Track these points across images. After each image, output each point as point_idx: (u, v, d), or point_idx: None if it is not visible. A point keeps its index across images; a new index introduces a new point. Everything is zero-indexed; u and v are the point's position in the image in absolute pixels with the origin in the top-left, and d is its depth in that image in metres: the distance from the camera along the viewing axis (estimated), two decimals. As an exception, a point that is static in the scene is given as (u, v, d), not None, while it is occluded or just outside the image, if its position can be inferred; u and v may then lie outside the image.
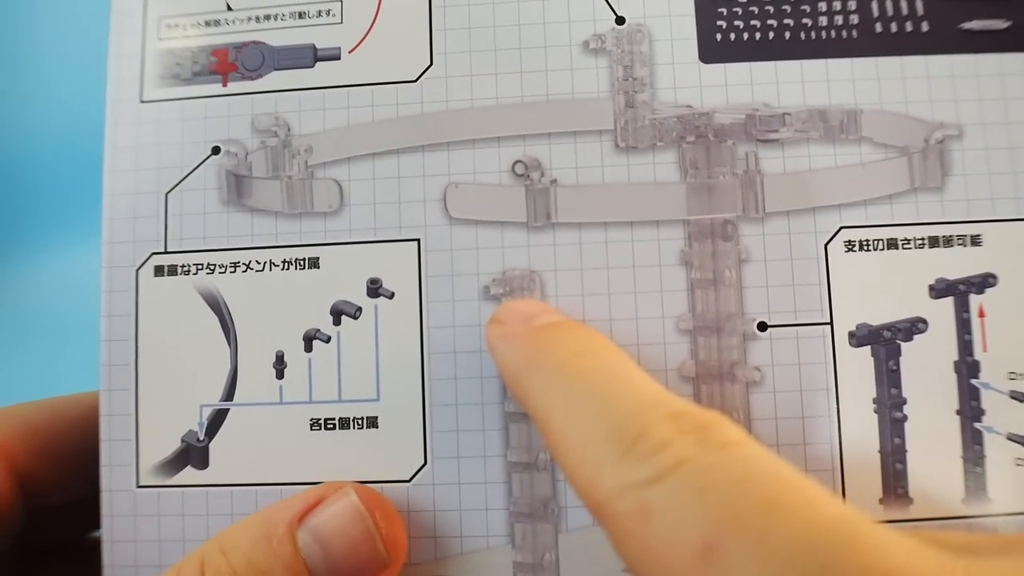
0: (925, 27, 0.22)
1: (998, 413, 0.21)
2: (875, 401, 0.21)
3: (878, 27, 0.22)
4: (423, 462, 0.21)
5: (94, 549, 0.26)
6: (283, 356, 0.22)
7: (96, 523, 0.25)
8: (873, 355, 0.21)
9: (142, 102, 0.23)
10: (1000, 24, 0.22)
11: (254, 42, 0.23)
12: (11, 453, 0.23)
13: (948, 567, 0.13)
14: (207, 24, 0.23)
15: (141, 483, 0.22)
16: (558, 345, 0.18)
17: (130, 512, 0.22)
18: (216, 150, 0.22)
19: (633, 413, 0.16)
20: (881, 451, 0.20)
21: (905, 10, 0.22)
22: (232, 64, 0.23)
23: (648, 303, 0.21)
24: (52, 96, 0.51)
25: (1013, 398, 0.21)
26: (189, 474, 0.22)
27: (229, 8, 0.23)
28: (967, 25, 0.22)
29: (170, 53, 0.23)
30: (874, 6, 0.22)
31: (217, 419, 0.22)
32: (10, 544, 0.24)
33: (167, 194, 0.22)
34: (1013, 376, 0.21)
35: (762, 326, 0.21)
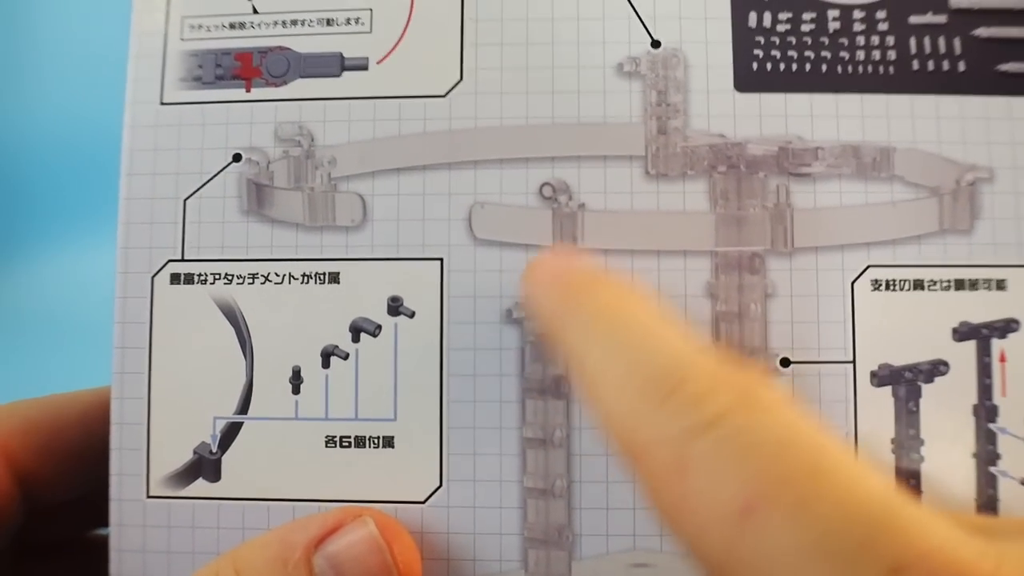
0: (962, 67, 0.22)
1: (1014, 458, 0.21)
2: (893, 442, 0.21)
3: (915, 64, 0.22)
4: (438, 484, 0.21)
5: (93, 547, 0.25)
6: (300, 371, 0.21)
7: (96, 521, 0.25)
8: (894, 395, 0.21)
9: (162, 104, 0.22)
10: (1037, 66, 0.22)
11: (280, 48, 0.22)
12: (11, 450, 0.23)
13: (983, 551, 0.13)
14: (231, 26, 0.22)
15: (151, 493, 0.21)
16: (598, 290, 0.18)
17: (139, 522, 0.21)
18: (237, 157, 0.22)
19: (672, 363, 0.16)
20: (897, 492, 0.20)
21: (943, 49, 0.22)
22: (256, 69, 0.22)
23: (671, 334, 0.21)
24: (52, 96, 0.50)
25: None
26: (201, 486, 0.21)
27: (255, 11, 0.22)
28: (1004, 67, 0.22)
29: (192, 55, 0.22)
30: (912, 43, 0.22)
31: (231, 432, 0.21)
32: (9, 542, 0.24)
33: (185, 200, 0.22)
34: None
35: (785, 362, 0.21)
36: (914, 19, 0.22)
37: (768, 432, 0.14)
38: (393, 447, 0.21)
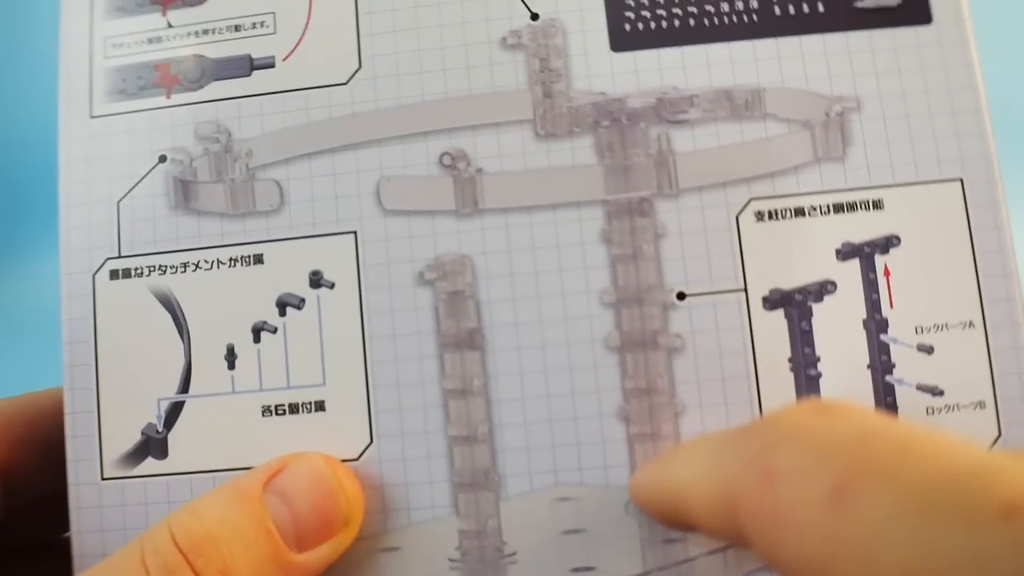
0: (821, 8, 0.23)
1: (907, 366, 0.22)
2: (790, 361, 0.22)
3: (777, 10, 0.23)
4: (369, 441, 0.22)
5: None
6: (233, 348, 0.23)
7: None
8: (786, 317, 0.22)
9: (92, 117, 0.24)
10: (893, 2, 0.23)
11: (194, 56, 0.24)
12: None
13: None
14: (150, 41, 0.24)
15: (105, 476, 0.23)
16: (682, 445, 0.20)
17: (96, 504, 0.23)
18: (163, 158, 0.24)
19: (746, 423, 0.16)
20: (797, 406, 0.22)
21: (802, -7, 0.23)
22: (174, 77, 0.24)
23: (573, 279, 0.22)
24: (49, 98, 0.52)
25: (920, 350, 0.22)
26: (150, 464, 0.23)
27: (170, 25, 0.24)
28: (861, 4, 0.23)
29: (116, 70, 0.24)
30: (772, -9, 0.23)
31: (174, 411, 0.23)
32: None
33: (119, 202, 0.24)
34: (919, 330, 0.22)
35: (681, 296, 0.22)
36: (774, -30, 0.23)
37: (848, 429, 0.14)
38: (325, 410, 0.23)
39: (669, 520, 0.19)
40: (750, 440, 0.16)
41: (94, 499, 0.23)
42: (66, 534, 0.27)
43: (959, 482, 0.13)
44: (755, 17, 0.23)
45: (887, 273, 0.22)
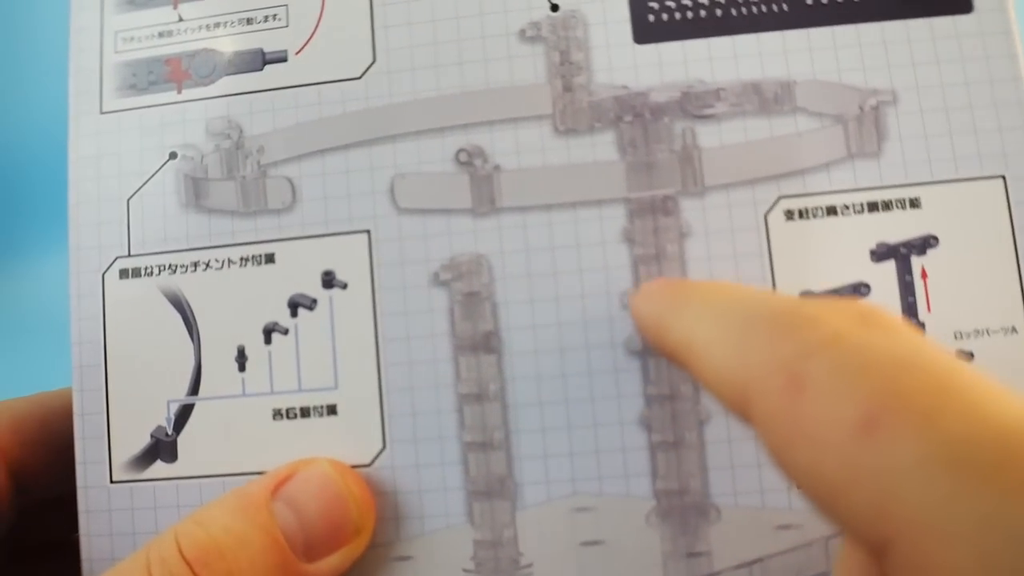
0: (856, -4, 0.22)
1: (945, 372, 0.21)
2: (821, 366, 0.21)
3: (809, -1, 0.22)
4: (382, 446, 0.22)
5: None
6: (244, 350, 0.22)
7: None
8: (817, 321, 0.21)
9: (102, 113, 0.24)
10: (931, -11, 0.22)
11: (205, 50, 0.24)
12: (3, 447, 0.24)
13: None
14: (160, 35, 0.24)
15: (114, 479, 0.22)
16: (701, 286, 0.18)
17: (105, 507, 0.22)
18: (173, 155, 0.23)
19: (782, 302, 0.15)
20: (827, 414, 0.21)
21: (835, -19, 0.22)
22: (186, 72, 0.23)
23: (593, 280, 0.22)
24: (51, 96, 0.52)
25: (959, 357, 0.21)
26: (159, 468, 0.22)
27: (180, 19, 0.24)
28: (898, -8, 0.22)
29: (127, 65, 0.24)
30: (804, -21, 0.22)
31: (184, 414, 0.22)
32: (2, 540, 0.25)
33: (129, 200, 0.23)
34: (958, 335, 0.21)
35: (706, 298, 0.21)
36: (805, -43, 0.22)
37: (891, 349, 0.13)
38: (337, 414, 0.22)
39: (666, 357, 0.18)
40: (783, 335, 0.14)
41: (103, 502, 0.22)
42: (74, 533, 0.27)
43: (995, 440, 0.12)
44: (785, 6, 0.22)
45: (924, 275, 0.21)
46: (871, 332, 0.14)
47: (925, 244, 0.21)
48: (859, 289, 0.21)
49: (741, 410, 0.15)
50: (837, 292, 0.21)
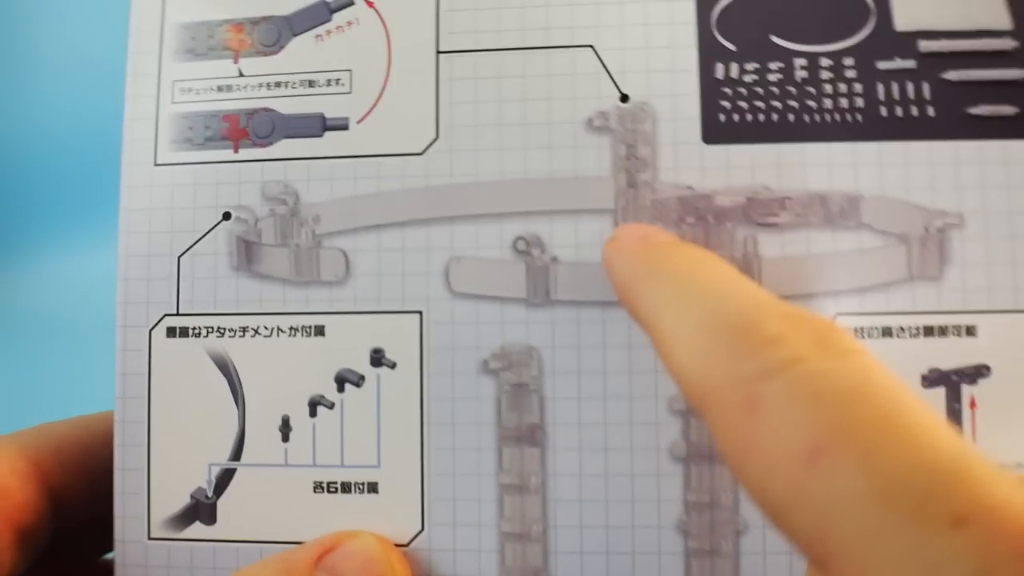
0: (931, 111, 0.22)
1: (984, 502, 0.21)
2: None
3: (883, 111, 0.22)
4: (420, 528, 0.22)
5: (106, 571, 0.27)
6: (288, 420, 0.22)
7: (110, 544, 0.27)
8: (862, 441, 0.21)
9: (156, 165, 0.23)
10: (1009, 110, 0.22)
11: (264, 109, 0.23)
12: (44, 469, 0.24)
13: None
14: (219, 89, 0.23)
15: (152, 535, 0.23)
16: (673, 255, 0.19)
17: (141, 563, 0.23)
18: (227, 215, 0.23)
19: (746, 309, 0.16)
20: (865, 537, 0.21)
21: (912, 94, 0.22)
22: (243, 130, 0.23)
23: (642, 382, 0.22)
24: (51, 98, 0.52)
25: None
26: (198, 529, 0.23)
27: (241, 74, 0.23)
28: (974, 110, 0.22)
29: (184, 117, 0.23)
30: (880, 89, 0.22)
31: (225, 477, 0.22)
32: (36, 559, 0.25)
33: (180, 257, 0.23)
34: (1004, 468, 0.21)
35: (754, 409, 0.21)
36: (882, 65, 0.22)
37: (842, 378, 0.14)
38: (377, 492, 0.22)
39: (632, 316, 0.19)
40: (744, 352, 0.15)
41: (140, 557, 0.23)
42: (108, 555, 0.28)
43: (924, 478, 0.13)
44: (859, 117, 0.22)
45: (973, 405, 0.21)
46: (826, 356, 0.15)
47: (977, 373, 0.21)
48: (907, 412, 0.21)
49: (698, 411, 0.16)
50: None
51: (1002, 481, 0.13)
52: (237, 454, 0.23)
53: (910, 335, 0.21)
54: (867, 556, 0.13)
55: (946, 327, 0.21)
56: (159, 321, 0.23)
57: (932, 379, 0.21)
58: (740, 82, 0.22)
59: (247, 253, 0.23)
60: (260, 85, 0.23)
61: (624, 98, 0.22)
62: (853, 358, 0.15)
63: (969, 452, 0.13)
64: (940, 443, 0.13)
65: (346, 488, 0.22)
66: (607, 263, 0.20)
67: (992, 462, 0.13)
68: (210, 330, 0.23)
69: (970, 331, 0.21)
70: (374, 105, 0.23)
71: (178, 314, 0.23)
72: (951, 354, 0.21)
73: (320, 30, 0.23)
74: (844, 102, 0.22)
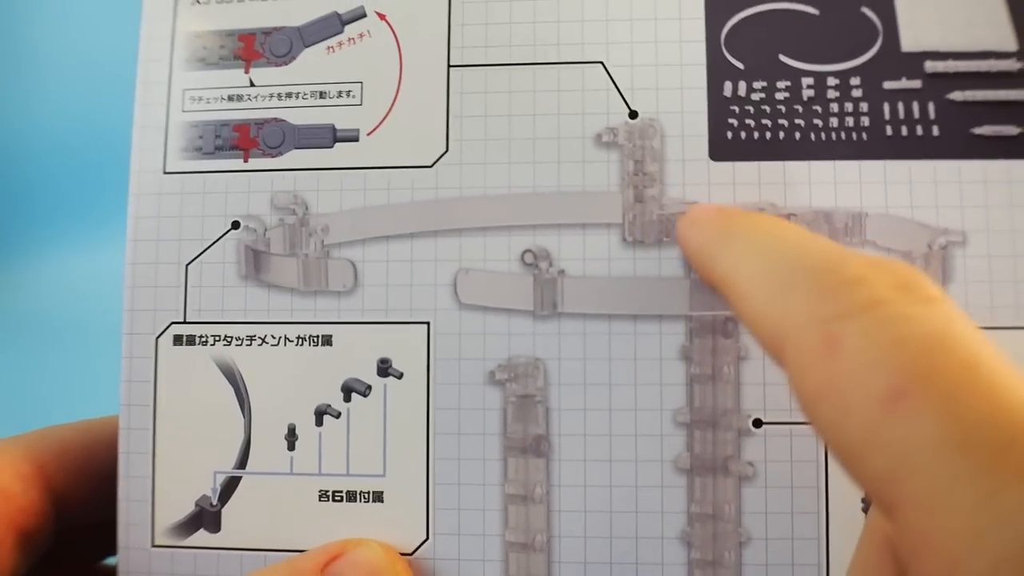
0: (936, 131, 0.22)
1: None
2: (864, 501, 0.21)
3: (888, 130, 0.22)
4: (425, 537, 0.22)
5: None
6: (295, 429, 0.22)
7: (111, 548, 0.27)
8: (865, 456, 0.21)
9: (165, 173, 0.23)
10: (1013, 130, 0.22)
11: (275, 119, 0.23)
12: (48, 473, 0.24)
13: None
14: (230, 99, 0.23)
15: (156, 543, 0.23)
16: (749, 217, 0.19)
17: (145, 570, 0.23)
18: (236, 225, 0.23)
19: (827, 254, 0.16)
20: (866, 552, 0.21)
21: (917, 113, 0.22)
22: (254, 140, 0.23)
23: (647, 395, 0.22)
24: (52, 98, 0.52)
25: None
26: (202, 537, 0.23)
27: (252, 84, 0.23)
28: (979, 130, 0.22)
29: (193, 126, 0.23)
30: (886, 109, 0.22)
31: (230, 485, 0.23)
32: (38, 562, 0.25)
33: (187, 265, 0.23)
34: None
35: (757, 423, 0.22)
36: (888, 84, 0.22)
37: (925, 323, 0.14)
38: (382, 502, 0.22)
39: (710, 286, 0.19)
40: (825, 293, 0.15)
41: (143, 565, 0.23)
42: (108, 560, 0.28)
43: (1005, 426, 0.13)
44: (864, 136, 0.22)
45: (974, 421, 0.21)
46: (909, 301, 0.14)
47: (978, 390, 0.21)
48: (909, 428, 0.21)
49: (776, 355, 0.16)
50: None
51: None
52: (243, 462, 0.23)
53: (913, 352, 0.21)
54: (939, 502, 0.13)
55: (948, 344, 0.21)
56: (166, 329, 0.23)
57: (934, 396, 0.21)
58: (748, 100, 0.22)
59: (255, 262, 0.23)
60: (271, 95, 0.23)
61: (633, 114, 0.22)
62: (936, 305, 0.14)
63: None
64: (1018, 395, 0.13)
65: (351, 497, 0.22)
66: (682, 236, 0.20)
67: None
68: (217, 338, 0.23)
69: (972, 349, 0.21)
70: (385, 117, 0.23)
71: (185, 322, 0.23)
72: (953, 371, 0.21)
73: (332, 41, 0.23)
74: (850, 121, 0.22)
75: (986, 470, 0.12)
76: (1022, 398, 0.13)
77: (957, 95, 0.22)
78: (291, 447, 0.22)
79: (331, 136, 0.23)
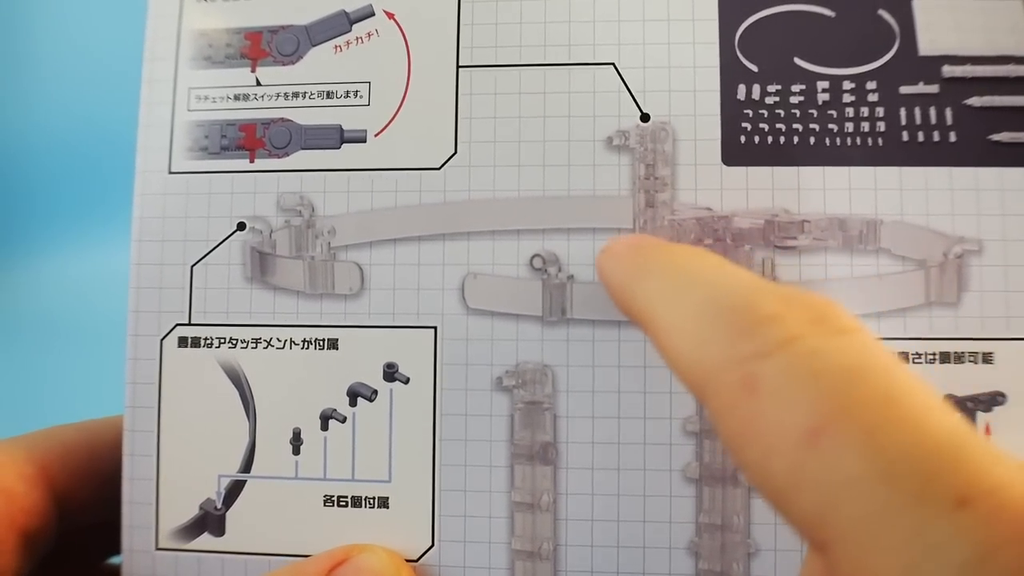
0: (953, 137, 0.22)
1: (996, 530, 0.21)
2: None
3: (904, 136, 0.22)
4: (430, 544, 0.22)
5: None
6: (300, 433, 0.22)
7: (114, 548, 0.26)
8: (876, 467, 0.21)
9: (170, 173, 0.23)
10: (1030, 137, 0.22)
11: (282, 119, 0.23)
12: (51, 474, 0.24)
13: None
14: (236, 98, 0.23)
15: (160, 546, 0.22)
16: (664, 252, 0.18)
17: (149, 573, 0.22)
18: (241, 226, 0.23)
19: (741, 291, 0.15)
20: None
21: (934, 119, 0.22)
22: (260, 140, 0.23)
23: (657, 403, 0.21)
24: (52, 98, 0.51)
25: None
26: (206, 540, 0.22)
27: (258, 83, 0.23)
28: (996, 137, 0.22)
29: (199, 125, 0.23)
30: (902, 114, 0.22)
31: (234, 489, 0.22)
32: (40, 563, 0.25)
33: (192, 266, 0.23)
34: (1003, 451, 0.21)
35: (768, 432, 0.21)
36: (905, 89, 0.22)
37: (841, 356, 0.14)
38: (388, 508, 0.22)
39: (630, 319, 0.19)
40: (741, 333, 0.15)
41: (147, 568, 0.23)
42: (112, 560, 0.28)
43: (925, 459, 0.12)
44: (880, 141, 0.22)
45: (987, 432, 0.21)
46: (824, 334, 0.14)
47: (992, 401, 0.21)
48: (921, 439, 0.21)
49: (699, 397, 0.16)
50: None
51: (1003, 463, 0.13)
52: (247, 466, 0.22)
53: (926, 361, 0.21)
54: (869, 538, 0.12)
55: (962, 354, 0.21)
56: (171, 331, 0.23)
57: (947, 406, 0.21)
58: (761, 103, 0.22)
59: (261, 264, 0.23)
60: (277, 95, 0.23)
61: (645, 117, 0.22)
62: (852, 336, 0.14)
63: (969, 433, 0.13)
64: (941, 423, 0.13)
65: (356, 502, 0.22)
66: (600, 271, 0.20)
67: (987, 441, 0.13)
68: (222, 341, 0.23)
69: (987, 358, 0.21)
70: (392, 118, 0.23)
71: (190, 324, 0.23)
72: (967, 381, 0.21)
73: (339, 41, 0.23)
74: (866, 126, 0.22)
75: (913, 502, 0.12)
76: (945, 425, 0.13)
77: (975, 100, 0.22)
78: (296, 451, 0.22)
79: (338, 137, 0.23)
